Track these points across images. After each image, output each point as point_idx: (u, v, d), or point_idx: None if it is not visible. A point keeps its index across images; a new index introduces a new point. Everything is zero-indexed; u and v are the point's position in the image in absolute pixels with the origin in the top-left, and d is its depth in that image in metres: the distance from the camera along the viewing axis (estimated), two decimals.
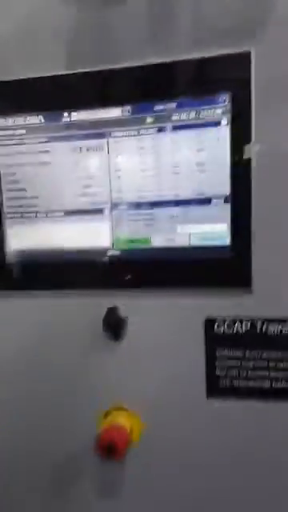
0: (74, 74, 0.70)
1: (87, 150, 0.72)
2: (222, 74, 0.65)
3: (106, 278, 0.74)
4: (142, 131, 0.69)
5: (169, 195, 0.70)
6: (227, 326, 0.71)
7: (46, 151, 0.73)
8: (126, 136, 0.70)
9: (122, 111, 0.69)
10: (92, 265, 0.74)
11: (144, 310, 0.73)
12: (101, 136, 0.71)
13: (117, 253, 0.73)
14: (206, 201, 0.69)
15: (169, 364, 0.73)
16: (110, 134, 0.70)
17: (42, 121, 0.72)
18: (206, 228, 0.70)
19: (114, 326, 0.74)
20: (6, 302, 0.78)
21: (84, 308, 0.75)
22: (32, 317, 0.77)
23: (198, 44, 0.65)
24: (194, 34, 0.65)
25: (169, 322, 0.73)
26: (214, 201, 0.68)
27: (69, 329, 0.76)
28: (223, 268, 0.69)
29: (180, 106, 0.67)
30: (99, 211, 0.73)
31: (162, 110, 0.68)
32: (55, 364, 0.77)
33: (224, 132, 0.67)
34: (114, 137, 0.70)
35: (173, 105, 0.67)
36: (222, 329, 0.71)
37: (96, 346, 0.76)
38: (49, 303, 0.76)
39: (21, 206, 0.76)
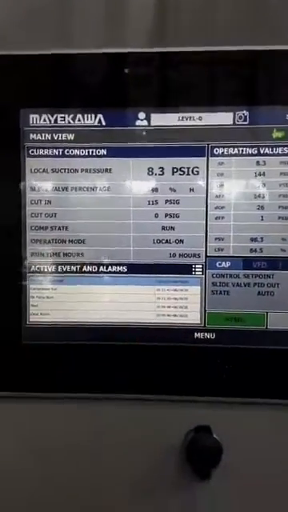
0: (161, 53, 0.42)
1: (173, 172, 0.43)
2: None
3: (190, 376, 0.44)
4: (264, 149, 0.42)
5: None
6: None
7: (106, 170, 0.44)
8: (236, 155, 0.42)
9: (235, 117, 0.42)
10: (169, 353, 0.44)
11: (251, 430, 0.44)
12: (197, 152, 0.43)
13: (210, 335, 0.44)
14: None
15: None
16: (212, 151, 0.43)
17: (103, 122, 0.43)
18: None
19: (204, 457, 0.43)
20: (17, 409, 0.45)
21: (153, 424, 0.44)
22: (57, 435, 0.45)
23: None
24: None
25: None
26: None
27: (122, 460, 0.45)
28: None
29: None
30: (186, 269, 0.44)
31: None
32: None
33: None
34: (218, 155, 0.43)
35: None
36: None
37: (168, 488, 0.44)
38: (89, 415, 0.45)
39: (55, 255, 0.45)
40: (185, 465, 0.44)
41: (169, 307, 0.45)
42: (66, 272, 0.44)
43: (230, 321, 0.44)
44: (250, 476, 0.44)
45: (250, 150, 0.43)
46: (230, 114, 0.42)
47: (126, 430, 0.45)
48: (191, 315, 0.45)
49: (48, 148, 0.43)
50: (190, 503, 0.45)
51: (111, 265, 0.45)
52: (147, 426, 0.45)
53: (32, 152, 0.44)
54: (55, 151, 0.43)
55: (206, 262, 0.44)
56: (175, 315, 0.45)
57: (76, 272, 0.44)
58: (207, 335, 0.44)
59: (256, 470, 0.44)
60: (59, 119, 0.43)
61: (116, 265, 0.45)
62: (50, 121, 0.43)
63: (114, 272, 0.45)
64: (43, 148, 0.44)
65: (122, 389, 0.45)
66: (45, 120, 0.44)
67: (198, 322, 0.44)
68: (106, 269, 0.45)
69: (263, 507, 0.45)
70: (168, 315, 0.45)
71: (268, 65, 0.42)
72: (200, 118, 0.43)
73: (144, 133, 0.43)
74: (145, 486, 0.46)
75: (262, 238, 0.43)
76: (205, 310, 0.44)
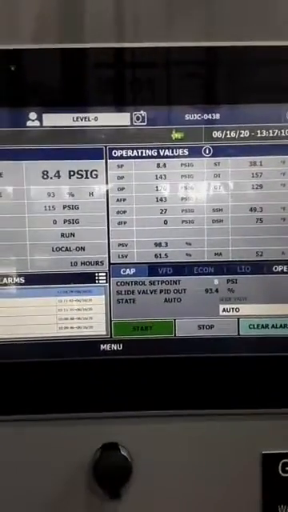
0: (52, 49, 0.38)
1: (70, 175, 0.39)
2: None
3: (97, 390, 0.40)
4: (163, 151, 0.39)
5: (206, 254, 0.40)
6: None
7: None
8: (136, 157, 0.39)
9: (133, 118, 0.39)
10: (74, 367, 0.40)
11: (163, 444, 0.41)
12: (94, 155, 0.39)
13: (117, 347, 0.41)
14: (265, 267, 0.40)
15: None
16: (111, 153, 0.39)
17: None
18: (265, 309, 0.41)
19: (112, 476, 0.39)
20: None
21: (61, 444, 0.40)
22: None
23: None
24: None
25: (201, 464, 0.41)
26: (277, 268, 0.40)
27: (31, 480, 0.40)
28: None
29: (227, 118, 0.39)
30: (88, 277, 0.40)
31: (196, 122, 0.39)
32: None
33: None
34: (117, 157, 0.39)
35: (216, 115, 0.39)
36: None
37: (79, 508, 0.40)
38: None
39: None
40: (95, 484, 0.40)
41: (72, 319, 0.41)
42: None
43: (137, 330, 0.41)
44: (163, 492, 0.41)
45: (149, 152, 0.39)
46: (127, 115, 0.39)
47: (33, 450, 0.41)
48: (96, 326, 0.41)
49: None
50: None
51: (7, 276, 0.40)
52: (54, 446, 0.41)
53: None
54: None
55: (109, 270, 0.40)
56: (79, 327, 0.41)
57: None
58: (114, 346, 0.41)
59: (169, 485, 0.41)
60: None
61: (12, 276, 0.40)
62: None
63: (11, 284, 0.40)
64: None
65: (25, 409, 0.40)
66: None
67: (104, 333, 0.41)
68: (1, 281, 0.40)
69: None
70: (71, 327, 0.41)
71: (165, 64, 0.39)
72: (96, 119, 0.39)
73: (35, 133, 0.39)
74: (56, 507, 0.41)
75: (166, 243, 0.40)
76: (111, 320, 0.41)
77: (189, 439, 0.40)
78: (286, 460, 0.41)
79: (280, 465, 0.41)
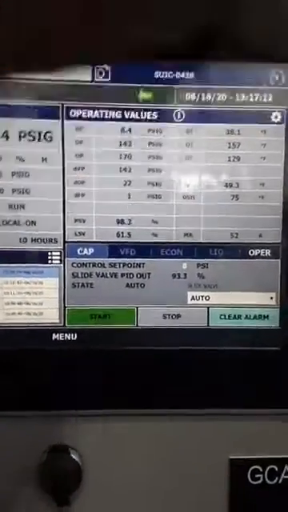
0: None
1: (20, 137, 0.33)
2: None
3: (48, 385, 0.34)
4: (129, 113, 0.33)
5: (175, 234, 0.35)
6: (268, 473, 0.36)
7: None
8: (97, 119, 0.33)
9: (95, 74, 0.33)
10: (22, 359, 0.34)
11: (116, 448, 0.35)
12: (49, 114, 0.33)
13: (71, 336, 0.35)
14: (241, 251, 0.35)
15: None
16: (68, 113, 0.33)
17: None
18: (238, 298, 0.36)
19: (61, 481, 0.34)
20: None
21: (5, 445, 0.34)
22: None
23: None
24: None
25: (162, 469, 0.36)
26: (253, 252, 0.35)
27: None
28: (267, 370, 0.35)
29: (203, 78, 0.34)
30: (40, 257, 0.35)
31: (167, 81, 0.33)
32: None
33: (278, 131, 0.35)
34: (75, 118, 0.33)
35: (190, 74, 0.33)
36: (260, 477, 0.36)
37: None
38: None
39: None
40: (41, 490, 0.35)
41: (20, 304, 0.35)
42: None
43: (94, 318, 0.35)
44: (117, 500, 0.36)
45: (113, 114, 0.34)
46: (88, 69, 0.33)
47: None
48: (48, 313, 0.35)
49: None
50: None
51: None
52: None
53: None
54: None
55: (64, 249, 0.35)
56: (28, 313, 0.35)
57: None
58: (68, 336, 0.35)
59: (124, 492, 0.36)
60: None
61: None
62: None
63: None
64: None
65: None
66: None
67: (57, 320, 0.35)
68: None
69: None
70: (19, 313, 0.35)
71: (132, 10, 0.33)
72: (55, 75, 0.33)
73: None
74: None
75: (129, 220, 0.35)
76: (64, 307, 0.35)
77: (147, 441, 0.35)
78: (256, 466, 0.36)
79: (249, 472, 0.36)
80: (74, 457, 0.34)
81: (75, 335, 0.35)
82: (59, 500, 0.34)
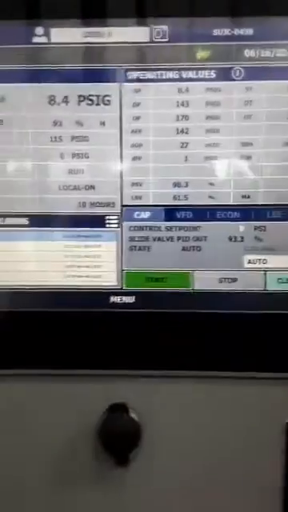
0: None
1: (79, 101, 0.34)
2: None
3: (105, 346, 0.35)
4: (186, 73, 0.33)
5: (232, 196, 0.34)
6: None
7: None
8: (154, 80, 0.33)
9: (152, 33, 0.33)
10: (81, 320, 0.35)
11: (174, 408, 0.36)
12: (107, 77, 0.33)
13: (128, 299, 0.35)
14: None
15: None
16: (126, 75, 0.33)
17: None
18: None
19: (120, 441, 0.35)
20: None
21: (64, 403, 0.36)
22: None
23: None
24: None
25: (219, 430, 0.36)
26: None
27: (33, 440, 0.36)
28: None
29: (262, 34, 0.32)
30: (98, 221, 0.35)
31: (226, 38, 0.32)
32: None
33: None
34: (132, 80, 0.33)
35: (249, 30, 0.32)
36: None
37: (84, 474, 0.36)
38: None
39: None
40: (100, 449, 0.36)
41: (79, 267, 0.36)
42: None
43: (151, 281, 0.36)
44: (175, 458, 0.37)
45: (170, 74, 0.33)
46: (147, 29, 0.33)
47: (34, 408, 0.37)
48: (106, 276, 0.36)
49: None
50: (109, 489, 0.37)
51: (9, 216, 0.35)
52: (58, 404, 0.36)
53: None
54: None
55: (121, 213, 0.35)
56: (87, 276, 0.36)
57: None
58: (125, 299, 0.36)
59: (182, 452, 0.36)
60: None
61: (15, 216, 0.35)
62: None
63: (13, 225, 0.35)
64: None
65: (25, 362, 0.36)
66: None
67: (115, 283, 0.36)
68: (3, 221, 0.35)
69: (189, 489, 0.37)
70: (79, 276, 0.36)
71: None
72: (110, 34, 0.33)
73: (43, 52, 0.33)
74: (58, 471, 0.37)
75: (186, 183, 0.35)
76: (122, 270, 0.36)
77: (205, 403, 0.35)
78: None
79: None
80: (133, 416, 0.35)
81: (132, 298, 0.36)
82: (118, 458, 0.35)
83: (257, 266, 0.35)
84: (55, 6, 0.33)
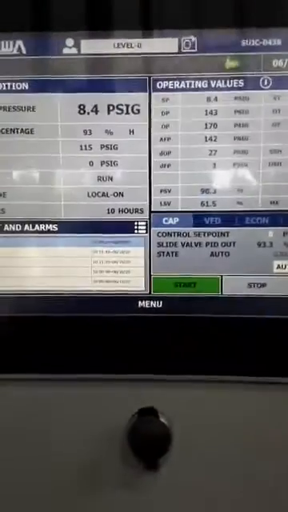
0: None
1: (108, 110, 0.34)
2: None
3: (133, 351, 0.35)
4: (215, 83, 0.34)
5: (260, 202, 0.34)
6: None
7: (28, 108, 0.35)
8: (183, 90, 0.34)
9: (181, 44, 0.33)
10: (109, 325, 0.35)
11: (204, 413, 0.36)
12: (137, 87, 0.34)
13: (156, 304, 0.36)
14: None
15: None
16: (155, 85, 0.34)
17: (23, 51, 0.34)
18: None
19: (150, 445, 0.35)
20: None
21: (92, 407, 0.36)
22: None
23: None
24: None
25: (248, 434, 0.36)
26: None
27: (60, 445, 0.36)
28: None
29: None
30: (127, 227, 0.36)
31: (254, 48, 0.33)
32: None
33: None
34: (161, 89, 0.34)
35: (277, 40, 0.33)
36: None
37: (111, 480, 0.36)
38: (21, 397, 0.36)
39: None
40: (130, 453, 0.36)
41: (108, 272, 0.36)
42: None
43: (179, 287, 0.36)
44: (205, 463, 0.36)
45: (199, 84, 0.34)
46: (175, 40, 0.33)
47: (62, 413, 0.37)
48: (134, 281, 0.36)
49: None
50: (137, 495, 0.37)
51: (38, 223, 0.36)
52: (86, 409, 0.36)
53: None
54: None
55: (150, 219, 0.35)
56: (115, 281, 0.36)
57: None
58: (153, 304, 0.36)
59: (212, 457, 0.36)
60: None
61: (44, 223, 0.36)
62: None
63: (42, 231, 0.36)
64: None
65: (54, 367, 0.36)
66: None
67: (143, 288, 0.36)
68: (33, 227, 0.36)
69: (220, 494, 0.37)
70: (107, 281, 0.36)
71: None
72: (139, 45, 0.33)
73: (73, 63, 0.34)
74: (87, 476, 0.37)
75: (214, 190, 0.35)
76: (150, 275, 0.36)
77: (233, 407, 0.35)
78: None
79: None
80: (163, 420, 0.35)
81: (160, 303, 0.36)
82: (148, 463, 0.35)
83: (286, 270, 0.35)
84: (85, 18, 0.34)
